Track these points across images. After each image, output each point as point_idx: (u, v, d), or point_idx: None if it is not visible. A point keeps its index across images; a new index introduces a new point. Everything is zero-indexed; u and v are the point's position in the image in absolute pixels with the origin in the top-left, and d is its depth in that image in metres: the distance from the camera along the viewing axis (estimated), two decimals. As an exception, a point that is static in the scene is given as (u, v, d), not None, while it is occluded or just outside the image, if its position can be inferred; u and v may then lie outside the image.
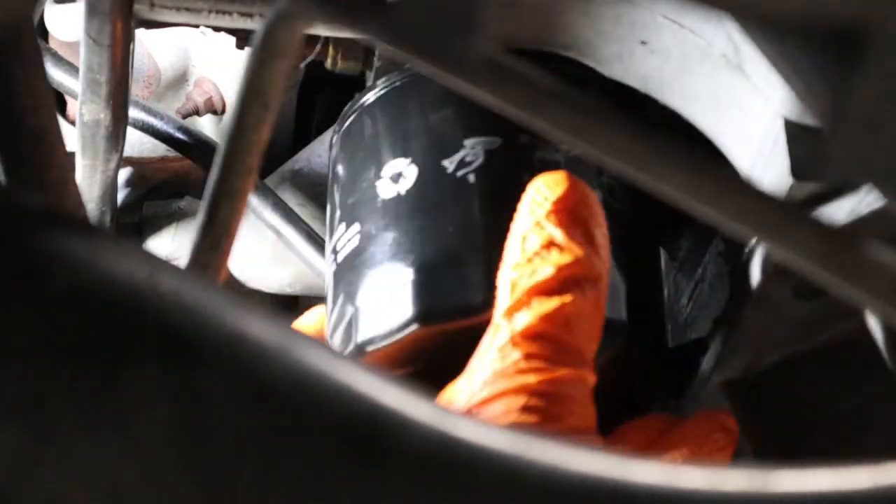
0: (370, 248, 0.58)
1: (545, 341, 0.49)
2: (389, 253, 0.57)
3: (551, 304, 0.49)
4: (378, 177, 0.59)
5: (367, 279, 0.57)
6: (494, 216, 0.55)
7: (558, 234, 0.50)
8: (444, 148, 0.58)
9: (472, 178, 0.57)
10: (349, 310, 0.58)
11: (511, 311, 0.49)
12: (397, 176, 0.59)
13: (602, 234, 0.52)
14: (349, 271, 0.58)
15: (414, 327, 0.54)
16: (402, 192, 0.58)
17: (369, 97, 0.63)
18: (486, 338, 0.50)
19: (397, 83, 0.62)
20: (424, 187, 0.58)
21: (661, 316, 0.61)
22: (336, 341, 0.58)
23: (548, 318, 0.49)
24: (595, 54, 0.61)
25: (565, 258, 0.50)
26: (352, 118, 0.64)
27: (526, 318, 0.49)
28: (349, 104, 0.65)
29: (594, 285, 0.50)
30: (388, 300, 0.56)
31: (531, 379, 0.48)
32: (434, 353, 0.56)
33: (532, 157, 0.58)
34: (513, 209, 0.52)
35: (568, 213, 0.51)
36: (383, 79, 0.63)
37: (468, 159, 0.58)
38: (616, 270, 0.57)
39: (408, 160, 0.59)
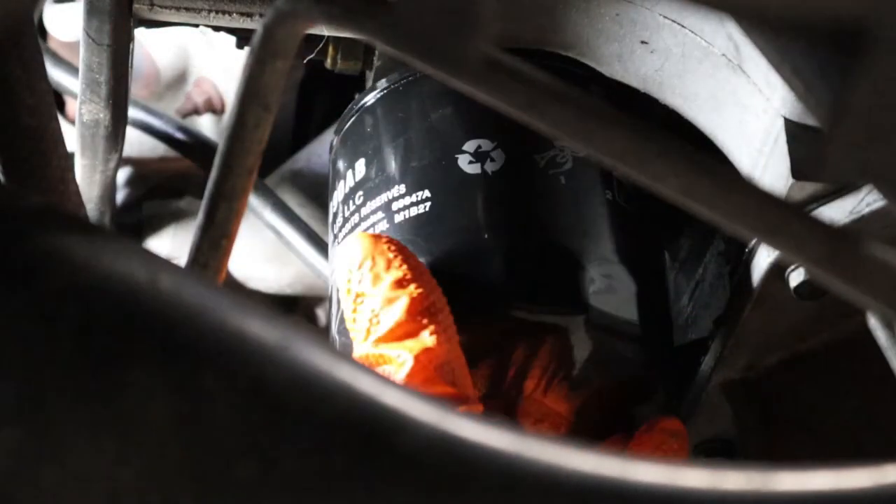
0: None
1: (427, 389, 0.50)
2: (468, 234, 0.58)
3: (405, 368, 0.51)
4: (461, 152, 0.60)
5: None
6: (578, 220, 0.57)
7: (388, 281, 0.53)
8: (534, 141, 0.59)
9: (562, 179, 0.58)
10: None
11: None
12: (483, 155, 0.59)
13: (423, 271, 0.54)
14: None
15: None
16: (490, 171, 0.59)
17: (369, 98, 0.63)
18: None
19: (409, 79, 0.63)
20: (514, 176, 0.59)
21: (668, 315, 0.61)
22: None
23: (416, 375, 0.51)
24: (595, 54, 0.61)
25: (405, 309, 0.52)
26: (353, 119, 0.64)
27: (399, 377, 0.51)
28: (349, 105, 0.65)
29: (441, 319, 0.53)
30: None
31: None
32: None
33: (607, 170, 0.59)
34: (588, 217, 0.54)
35: (387, 264, 0.53)
36: (384, 80, 0.63)
37: (559, 160, 0.58)
38: (628, 275, 0.57)
39: (494, 143, 0.59)
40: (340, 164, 0.64)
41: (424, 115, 0.61)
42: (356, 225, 0.60)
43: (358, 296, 0.53)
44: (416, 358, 0.51)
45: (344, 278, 0.54)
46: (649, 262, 0.62)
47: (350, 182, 0.62)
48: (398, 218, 0.58)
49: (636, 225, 0.60)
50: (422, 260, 0.56)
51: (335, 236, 0.63)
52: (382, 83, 0.63)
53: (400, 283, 0.53)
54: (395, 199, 0.59)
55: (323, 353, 0.28)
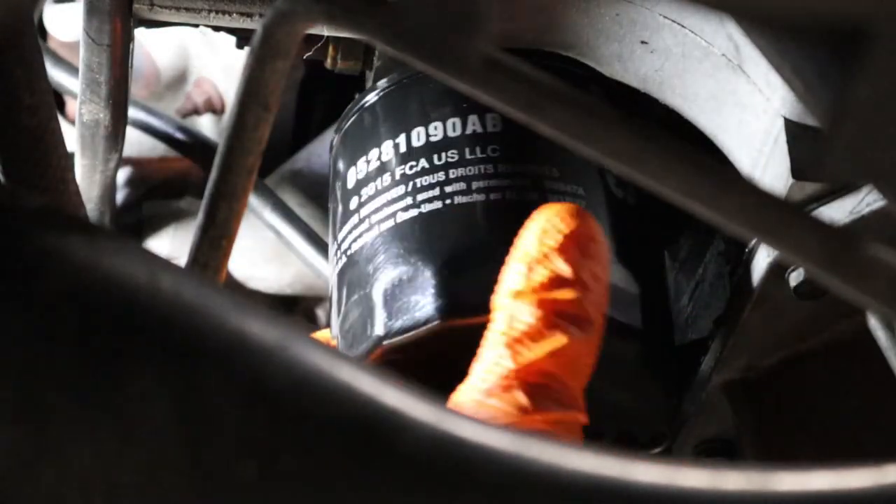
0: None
1: (544, 380, 0.48)
2: (411, 248, 0.57)
3: (555, 343, 0.48)
4: None
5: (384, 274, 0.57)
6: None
7: (567, 271, 0.49)
8: None
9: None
10: (365, 302, 0.58)
11: (513, 344, 0.49)
12: None
13: (606, 274, 0.51)
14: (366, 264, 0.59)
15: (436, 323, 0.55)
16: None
17: (370, 98, 0.63)
18: (485, 362, 0.49)
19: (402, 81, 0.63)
20: None
21: (669, 315, 0.61)
22: (350, 335, 0.58)
23: (550, 357, 0.48)
24: (595, 54, 0.61)
25: (571, 297, 0.49)
26: (353, 118, 0.64)
27: (528, 354, 0.48)
28: (349, 105, 0.65)
29: (593, 326, 0.50)
30: (411, 294, 0.56)
31: (520, 419, 0.48)
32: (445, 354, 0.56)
33: None
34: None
35: (578, 251, 0.50)
36: (384, 80, 0.63)
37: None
38: (629, 274, 0.57)
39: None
40: (340, 165, 0.64)
41: (425, 115, 0.61)
42: (356, 225, 0.60)
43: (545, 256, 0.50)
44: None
45: (537, 233, 0.51)
46: (653, 260, 0.62)
47: (350, 182, 0.62)
48: (400, 218, 0.58)
49: (640, 223, 0.60)
50: (425, 260, 0.56)
51: (335, 236, 0.63)
52: (383, 83, 0.63)
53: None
54: (396, 199, 0.59)
55: (323, 353, 0.28)
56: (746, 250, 0.55)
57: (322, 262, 0.77)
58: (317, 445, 0.27)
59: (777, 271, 0.53)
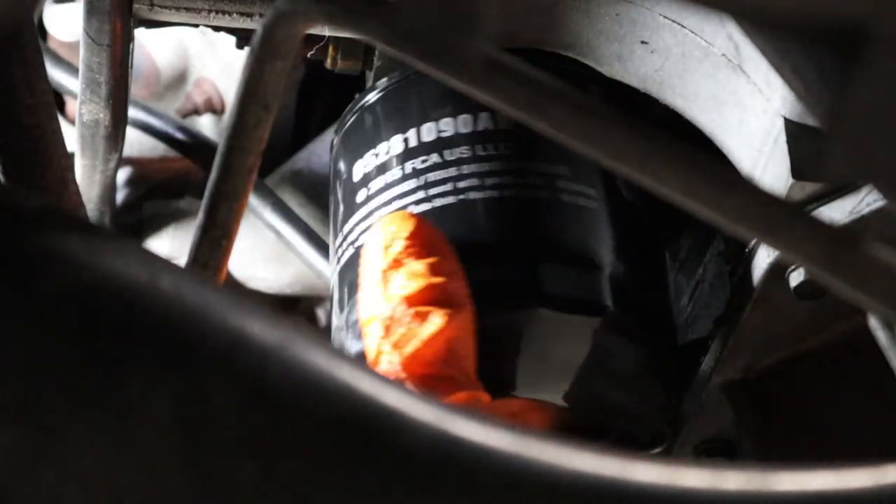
0: None
1: (431, 368, 0.51)
2: None
3: (432, 328, 0.51)
4: None
5: None
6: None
7: (419, 266, 0.53)
8: None
9: None
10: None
11: (396, 344, 0.51)
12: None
13: (455, 261, 0.54)
14: None
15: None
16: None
17: (370, 97, 0.63)
18: (381, 371, 0.52)
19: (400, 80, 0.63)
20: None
21: (670, 315, 0.61)
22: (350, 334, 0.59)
23: (433, 344, 0.51)
24: (595, 54, 0.61)
25: (431, 283, 0.52)
26: (353, 118, 0.64)
27: (412, 346, 0.51)
28: (350, 105, 0.65)
29: (464, 307, 0.53)
30: None
31: None
32: None
33: None
34: None
35: (423, 247, 0.54)
36: (384, 79, 0.63)
37: None
38: (632, 274, 0.57)
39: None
40: (341, 164, 0.64)
41: (425, 114, 0.61)
42: (364, 217, 0.60)
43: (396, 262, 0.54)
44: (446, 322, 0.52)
45: (381, 245, 0.55)
46: (654, 258, 0.62)
47: (357, 175, 0.62)
48: (411, 211, 0.58)
49: (642, 221, 0.60)
50: None
51: (340, 229, 0.63)
52: (383, 82, 0.63)
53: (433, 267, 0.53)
54: (407, 192, 0.59)
55: (323, 353, 0.28)
56: (746, 250, 0.55)
57: (322, 262, 0.77)
58: (316, 445, 0.27)
59: (777, 271, 0.53)
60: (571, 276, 0.56)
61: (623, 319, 0.57)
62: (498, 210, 0.58)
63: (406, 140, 0.60)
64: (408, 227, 0.54)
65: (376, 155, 0.61)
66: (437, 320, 0.51)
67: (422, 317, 0.52)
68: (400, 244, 0.54)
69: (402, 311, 0.52)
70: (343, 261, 0.61)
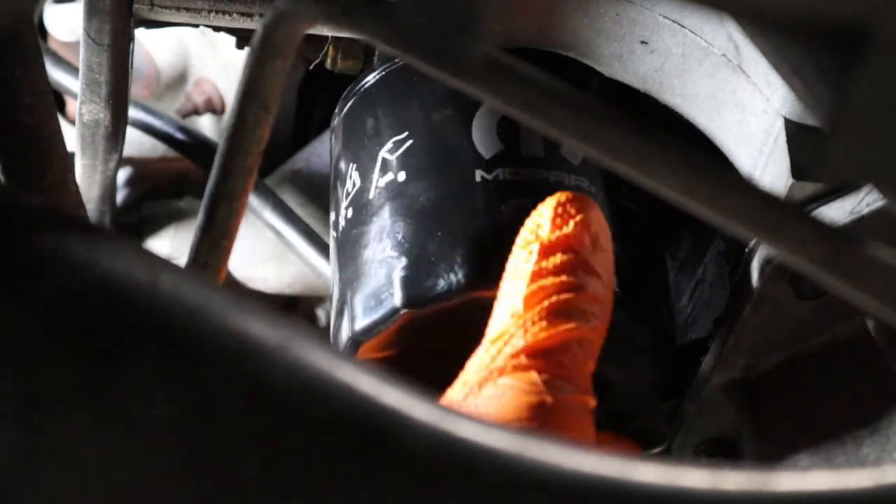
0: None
1: (551, 362, 0.48)
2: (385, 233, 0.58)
3: (564, 326, 0.48)
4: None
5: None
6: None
7: (577, 258, 0.49)
8: None
9: None
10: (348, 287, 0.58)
11: (523, 325, 0.48)
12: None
13: (611, 262, 0.51)
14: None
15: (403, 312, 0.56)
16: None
17: (369, 79, 0.64)
18: (489, 346, 0.49)
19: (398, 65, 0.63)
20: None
21: (671, 315, 0.61)
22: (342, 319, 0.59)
23: (560, 339, 0.48)
24: (595, 54, 0.61)
25: (580, 282, 0.49)
26: (352, 101, 0.64)
27: (538, 335, 0.48)
28: (349, 87, 0.65)
29: (603, 314, 0.50)
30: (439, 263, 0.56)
31: (534, 399, 0.47)
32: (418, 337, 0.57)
33: None
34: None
35: (590, 239, 0.50)
36: (384, 64, 0.64)
37: None
38: (632, 275, 0.58)
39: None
40: (342, 165, 0.64)
41: (425, 112, 0.61)
42: (374, 197, 0.60)
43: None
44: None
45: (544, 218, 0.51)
46: (654, 261, 0.62)
47: (351, 181, 0.62)
48: (401, 212, 0.58)
49: (641, 225, 0.60)
50: (453, 232, 0.56)
51: (336, 236, 0.63)
52: (382, 66, 0.63)
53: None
54: (398, 191, 0.59)
55: (323, 353, 0.28)
56: (746, 250, 0.55)
57: (322, 262, 0.77)
58: (317, 446, 0.27)
59: (777, 271, 0.53)
60: None
61: (623, 319, 0.57)
62: (507, 193, 0.58)
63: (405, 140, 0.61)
64: (582, 212, 0.51)
65: (344, 180, 0.62)
66: (570, 323, 0.48)
67: (560, 310, 0.48)
68: (569, 228, 0.50)
69: (541, 293, 0.49)
70: (350, 235, 0.61)
